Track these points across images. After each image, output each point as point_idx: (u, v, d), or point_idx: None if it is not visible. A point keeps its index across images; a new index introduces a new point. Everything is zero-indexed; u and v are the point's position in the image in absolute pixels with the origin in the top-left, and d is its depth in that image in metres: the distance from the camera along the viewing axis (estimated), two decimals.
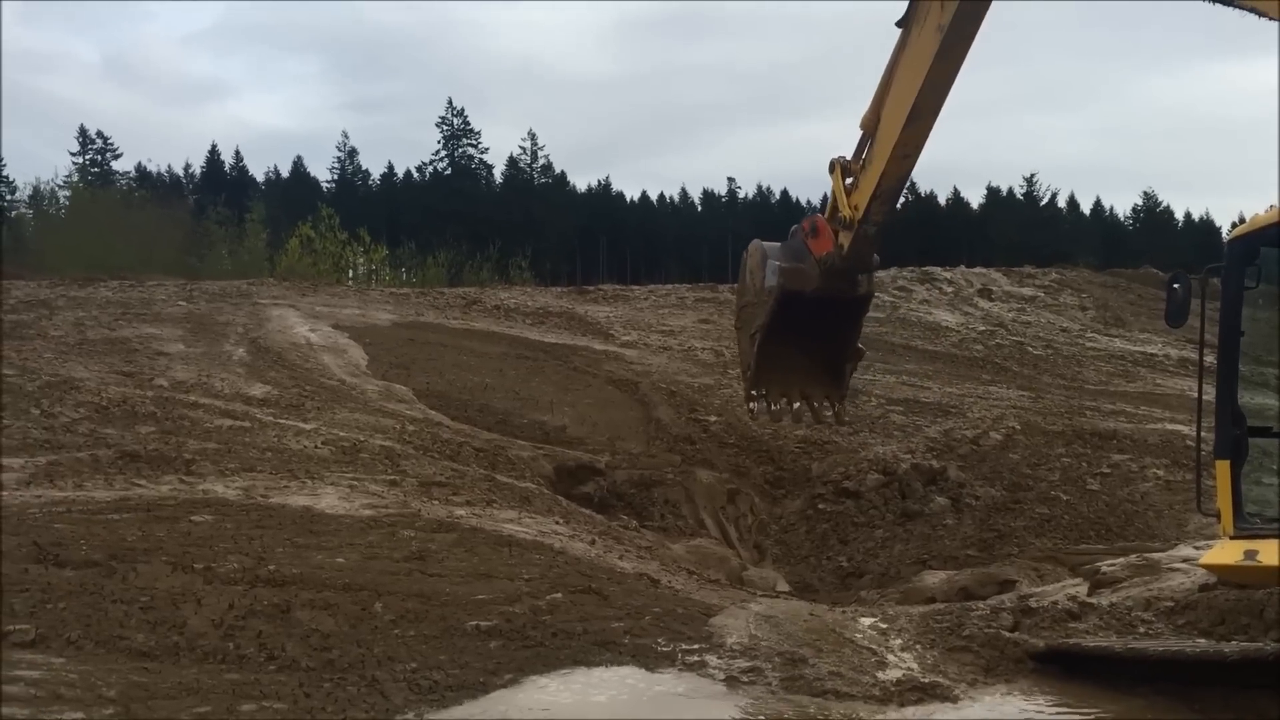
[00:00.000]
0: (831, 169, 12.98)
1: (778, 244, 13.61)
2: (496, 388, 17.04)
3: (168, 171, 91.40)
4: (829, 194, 12.87)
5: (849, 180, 12.49)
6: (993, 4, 10.36)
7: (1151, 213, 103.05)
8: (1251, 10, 7.09)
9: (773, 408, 13.90)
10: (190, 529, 8.49)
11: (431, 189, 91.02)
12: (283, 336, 18.47)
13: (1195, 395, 7.55)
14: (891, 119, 11.81)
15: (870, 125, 12.25)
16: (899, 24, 11.64)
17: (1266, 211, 6.92)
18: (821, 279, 12.82)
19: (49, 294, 20.97)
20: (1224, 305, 6.95)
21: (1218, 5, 7.37)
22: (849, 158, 12.72)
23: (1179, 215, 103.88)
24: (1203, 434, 7.36)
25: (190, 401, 13.55)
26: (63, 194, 58.07)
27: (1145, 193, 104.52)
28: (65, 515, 8.54)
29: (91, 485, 9.58)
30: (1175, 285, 7.09)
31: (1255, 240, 6.91)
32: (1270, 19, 6.83)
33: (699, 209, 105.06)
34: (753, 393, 14.12)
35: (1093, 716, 6.38)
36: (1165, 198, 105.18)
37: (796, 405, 14.25)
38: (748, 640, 7.48)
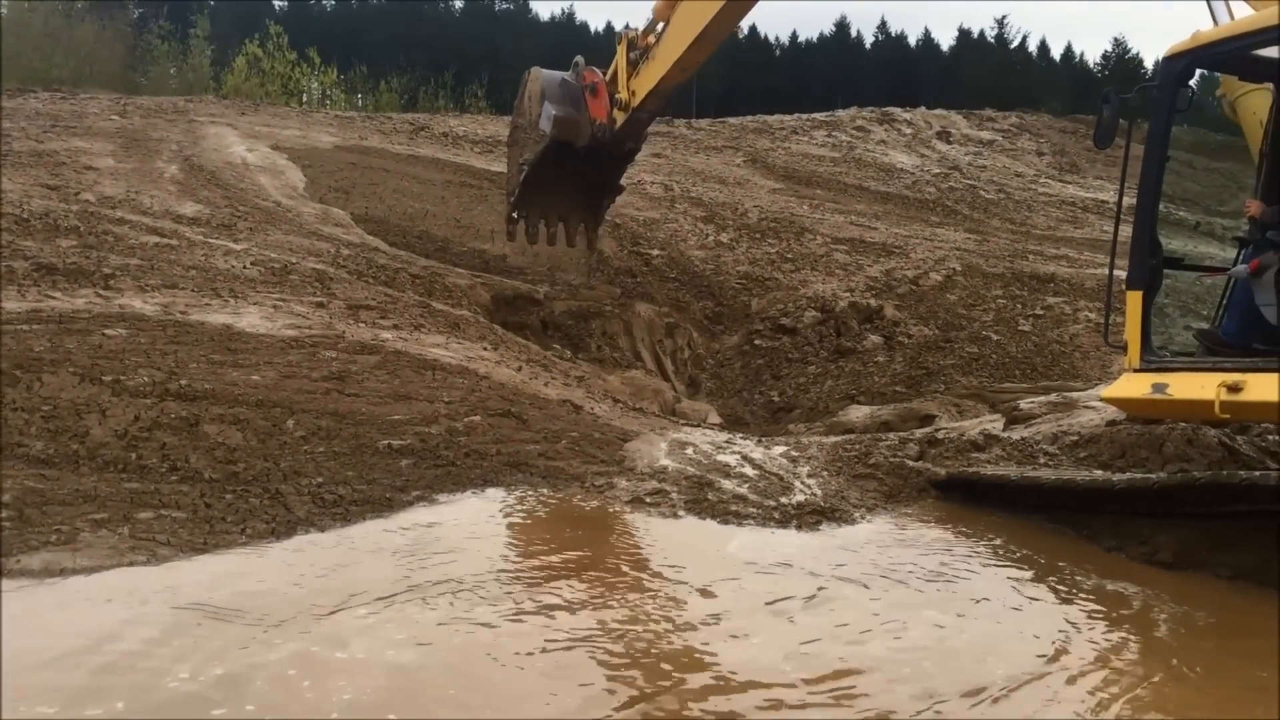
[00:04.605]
0: (619, 40, 12.77)
1: (558, 76, 13.54)
2: (438, 215, 16.75)
3: None
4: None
5: (633, 54, 12.36)
6: None
7: (1121, 60, 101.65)
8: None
9: (529, 230, 14.28)
10: (102, 342, 8.32)
11: (388, 11, 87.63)
12: (218, 155, 17.92)
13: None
14: (679, 32, 11.66)
15: (663, 15, 11.98)
16: None
17: (1212, 29, 6.52)
18: (591, 139, 12.92)
19: None
20: (1152, 128, 6.63)
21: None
22: (639, 30, 12.51)
23: (1149, 65, 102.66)
24: (1117, 271, 7.37)
25: (116, 217, 13.17)
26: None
27: (1115, 39, 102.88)
28: None
29: (3, 296, 9.34)
30: (1105, 104, 6.75)
31: (1194, 59, 6.49)
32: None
33: None
34: (514, 215, 14.39)
35: (978, 537, 6.55)
36: (1135, 45, 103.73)
37: (553, 230, 14.53)
38: (659, 465, 7.58)
